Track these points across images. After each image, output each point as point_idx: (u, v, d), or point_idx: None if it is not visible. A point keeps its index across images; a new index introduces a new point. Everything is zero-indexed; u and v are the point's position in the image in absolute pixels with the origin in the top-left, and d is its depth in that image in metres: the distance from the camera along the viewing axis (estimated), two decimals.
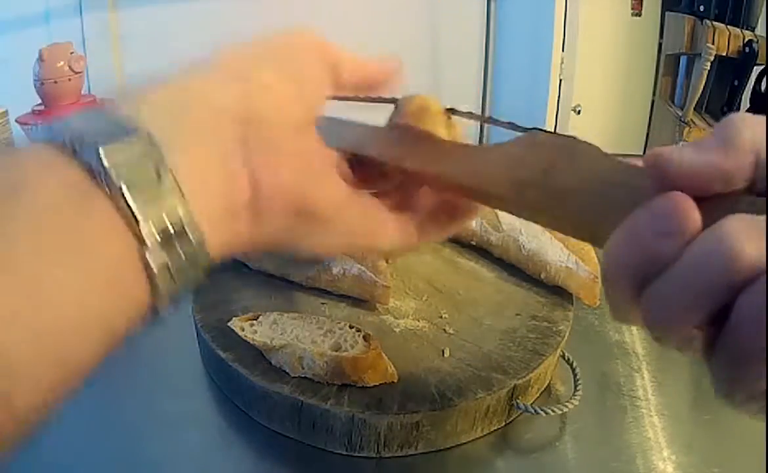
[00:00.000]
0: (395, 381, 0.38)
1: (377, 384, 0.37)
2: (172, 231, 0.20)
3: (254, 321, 0.41)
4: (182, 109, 0.23)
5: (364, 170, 0.31)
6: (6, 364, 0.17)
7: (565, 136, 0.26)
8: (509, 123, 0.30)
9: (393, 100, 0.33)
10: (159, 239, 0.19)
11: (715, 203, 0.19)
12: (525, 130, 0.28)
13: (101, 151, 0.19)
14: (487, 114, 1.58)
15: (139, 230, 0.19)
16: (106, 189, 0.19)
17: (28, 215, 0.18)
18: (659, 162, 0.20)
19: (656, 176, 0.20)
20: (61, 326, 0.18)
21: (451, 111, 0.33)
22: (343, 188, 0.28)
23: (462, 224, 0.33)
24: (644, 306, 0.20)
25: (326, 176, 0.27)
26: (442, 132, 0.32)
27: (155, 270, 0.20)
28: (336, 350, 0.38)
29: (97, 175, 0.19)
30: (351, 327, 0.40)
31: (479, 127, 1.59)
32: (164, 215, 0.20)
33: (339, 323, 0.41)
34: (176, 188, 0.20)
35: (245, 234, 0.24)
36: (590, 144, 0.25)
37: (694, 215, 0.18)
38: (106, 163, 0.19)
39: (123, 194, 0.19)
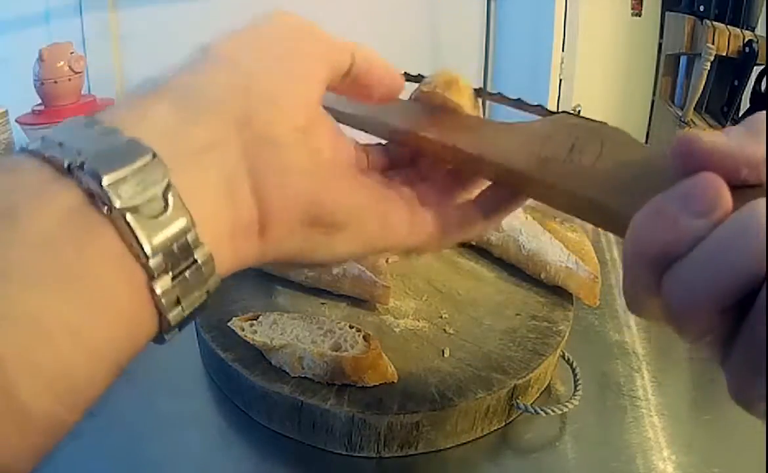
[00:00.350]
0: (395, 380, 0.38)
1: (377, 384, 0.37)
2: (179, 257, 0.19)
3: (254, 321, 0.41)
4: (182, 119, 0.21)
5: (383, 157, 0.30)
6: (13, 404, 0.16)
7: (594, 120, 0.26)
8: (538, 105, 0.29)
9: (418, 78, 0.32)
10: (166, 267, 0.18)
11: (743, 192, 0.18)
12: (554, 114, 0.28)
13: (104, 178, 0.17)
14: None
15: (146, 260, 0.18)
16: (109, 216, 0.17)
17: (25, 245, 0.16)
18: (688, 142, 0.19)
19: (685, 156, 0.19)
20: (65, 363, 0.17)
21: (480, 91, 0.31)
22: (361, 188, 0.26)
23: (486, 226, 0.30)
24: (667, 290, 0.18)
25: (339, 178, 0.25)
26: (468, 108, 0.30)
27: (162, 299, 0.19)
28: (336, 350, 0.38)
29: (98, 200, 0.17)
30: (351, 327, 0.40)
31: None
32: (171, 242, 0.18)
33: (339, 323, 0.41)
34: (184, 212, 0.19)
35: (255, 251, 0.23)
36: (620, 130, 0.25)
37: (726, 194, 0.18)
38: (109, 190, 0.17)
39: (128, 223, 0.17)
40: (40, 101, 0.66)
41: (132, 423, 0.40)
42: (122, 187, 0.18)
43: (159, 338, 0.20)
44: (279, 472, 0.37)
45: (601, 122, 0.25)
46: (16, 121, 0.66)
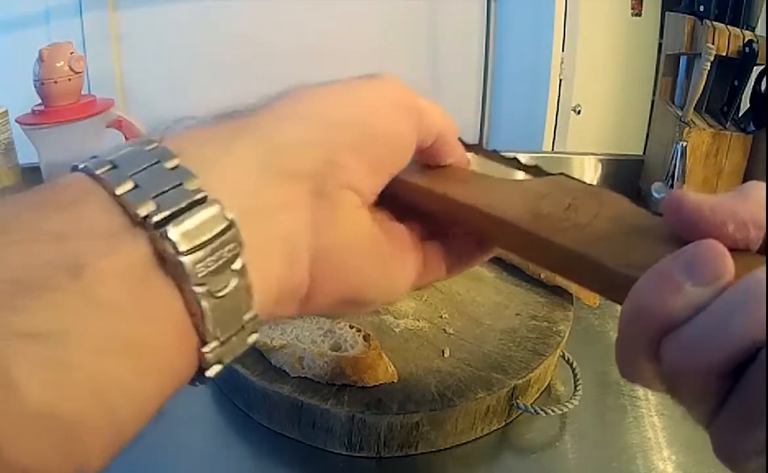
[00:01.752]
0: (395, 380, 0.38)
1: (377, 384, 0.37)
2: (231, 324, 0.19)
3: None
4: (264, 171, 0.20)
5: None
6: (72, 458, 0.16)
7: (592, 185, 0.26)
8: (535, 166, 0.29)
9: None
10: (218, 334, 0.19)
11: (736, 257, 0.18)
12: (551, 175, 0.27)
13: (180, 245, 0.17)
14: (487, 114, 1.58)
15: (204, 328, 0.18)
16: (176, 280, 0.17)
17: (89, 308, 0.16)
18: (677, 201, 0.20)
19: (675, 214, 0.20)
20: (117, 420, 0.17)
21: (477, 148, 0.31)
22: (401, 272, 0.27)
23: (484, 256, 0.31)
24: (669, 354, 0.19)
25: (388, 267, 0.26)
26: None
27: (208, 358, 0.19)
28: (336, 350, 0.38)
29: (170, 265, 0.17)
30: (351, 327, 0.40)
31: (478, 132, 1.59)
32: (229, 315, 0.19)
33: (339, 323, 0.41)
34: (247, 287, 0.19)
35: (291, 312, 0.24)
36: (618, 195, 0.24)
37: (729, 263, 0.18)
38: (185, 262, 0.17)
39: (197, 297, 0.17)
40: (40, 101, 0.66)
41: None
42: (197, 255, 0.17)
43: (191, 382, 0.20)
44: (279, 472, 0.37)
45: (599, 187, 0.25)
46: (16, 121, 0.65)
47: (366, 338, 0.39)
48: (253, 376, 0.38)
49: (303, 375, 0.38)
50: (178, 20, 1.40)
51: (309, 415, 0.36)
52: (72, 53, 0.65)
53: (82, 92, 0.68)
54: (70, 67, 0.64)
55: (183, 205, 0.17)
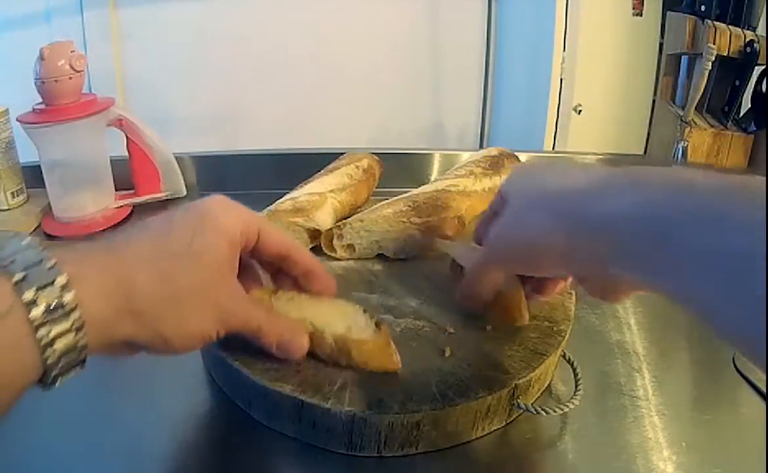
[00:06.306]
0: (397, 369, 0.38)
1: (378, 370, 0.38)
2: (58, 314, 0.26)
3: (273, 295, 0.42)
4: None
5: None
6: None
7: None
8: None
9: None
10: (46, 320, 0.26)
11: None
12: None
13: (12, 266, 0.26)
14: (488, 114, 1.58)
15: (30, 311, 0.25)
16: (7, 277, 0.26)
17: None
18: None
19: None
20: None
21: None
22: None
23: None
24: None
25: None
26: None
27: (41, 343, 0.26)
28: (348, 330, 0.39)
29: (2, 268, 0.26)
30: (365, 312, 0.41)
31: (479, 132, 1.59)
32: (52, 300, 0.26)
33: (355, 306, 0.41)
34: (66, 282, 0.27)
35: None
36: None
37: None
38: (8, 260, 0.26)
39: (16, 283, 0.26)
40: (40, 100, 0.66)
41: (132, 423, 0.40)
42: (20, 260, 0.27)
43: (43, 384, 0.28)
44: (279, 472, 0.37)
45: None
46: (16, 119, 0.65)
47: (378, 325, 0.39)
48: (254, 375, 0.38)
49: (312, 352, 0.39)
50: (179, 19, 1.39)
51: (310, 414, 0.36)
52: (73, 52, 0.64)
53: (83, 91, 0.68)
54: (70, 66, 0.64)
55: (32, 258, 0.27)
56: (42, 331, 0.26)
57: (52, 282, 0.26)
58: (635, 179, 0.29)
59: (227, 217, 0.35)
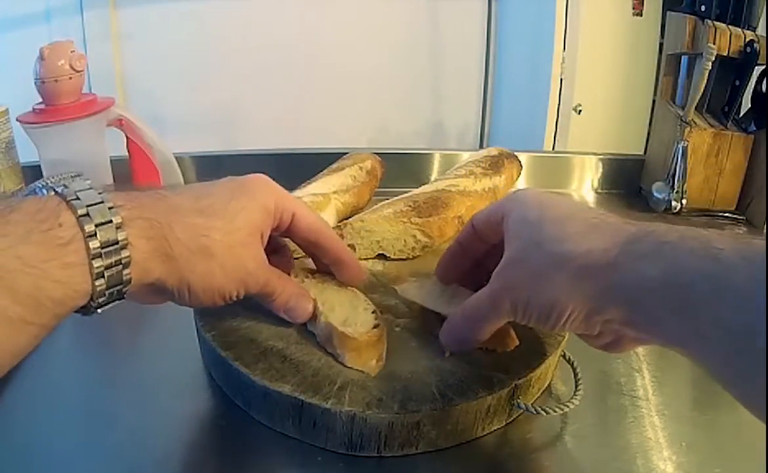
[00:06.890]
0: (373, 375, 0.38)
1: (355, 368, 0.38)
2: (111, 249, 0.30)
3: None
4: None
5: None
6: None
7: None
8: None
9: None
10: (102, 252, 0.29)
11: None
12: None
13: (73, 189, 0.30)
14: (488, 114, 1.58)
15: (89, 243, 0.29)
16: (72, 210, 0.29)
17: (17, 223, 0.27)
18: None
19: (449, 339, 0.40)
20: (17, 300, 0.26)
21: None
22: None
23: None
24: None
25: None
26: None
27: (95, 272, 0.29)
28: (343, 322, 0.40)
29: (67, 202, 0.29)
30: (371, 311, 0.42)
31: (479, 132, 1.58)
32: (108, 236, 0.29)
33: (366, 300, 0.43)
34: (120, 223, 0.30)
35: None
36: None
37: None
38: (76, 195, 0.30)
39: (80, 216, 0.29)
40: (40, 100, 0.66)
41: (132, 423, 0.40)
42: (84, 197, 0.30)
43: (86, 310, 0.31)
44: (279, 472, 0.37)
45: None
46: (16, 119, 0.65)
47: (376, 326, 0.40)
48: (254, 375, 0.38)
49: (310, 329, 0.41)
50: (179, 19, 1.40)
51: (309, 414, 0.36)
52: (73, 52, 0.64)
53: (83, 91, 0.68)
54: (70, 66, 0.64)
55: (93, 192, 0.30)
56: (97, 262, 0.29)
57: (110, 221, 0.30)
58: (658, 244, 0.29)
59: (264, 190, 0.39)
